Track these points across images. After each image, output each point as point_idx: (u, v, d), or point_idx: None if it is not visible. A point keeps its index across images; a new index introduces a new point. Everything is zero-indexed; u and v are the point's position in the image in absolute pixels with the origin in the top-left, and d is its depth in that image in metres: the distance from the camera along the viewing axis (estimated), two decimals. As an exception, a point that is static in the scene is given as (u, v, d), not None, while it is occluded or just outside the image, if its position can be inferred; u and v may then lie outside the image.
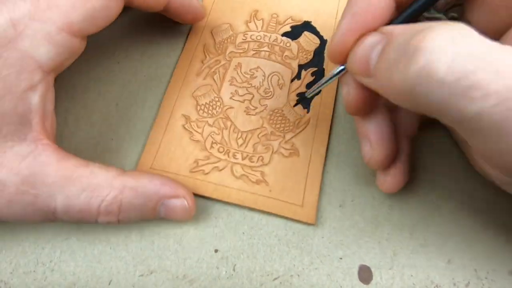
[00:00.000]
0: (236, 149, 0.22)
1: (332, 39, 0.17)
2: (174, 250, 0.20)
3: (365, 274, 0.19)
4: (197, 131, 0.22)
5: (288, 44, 0.25)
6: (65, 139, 0.23)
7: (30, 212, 0.17)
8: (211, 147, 0.22)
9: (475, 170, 0.20)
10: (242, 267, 0.19)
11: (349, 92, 0.18)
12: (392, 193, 0.20)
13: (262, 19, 0.26)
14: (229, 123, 0.23)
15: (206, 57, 0.25)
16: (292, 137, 0.22)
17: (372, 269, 0.19)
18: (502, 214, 0.20)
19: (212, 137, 0.22)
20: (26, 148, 0.17)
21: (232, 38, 0.25)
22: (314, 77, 0.24)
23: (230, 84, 0.24)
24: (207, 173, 0.21)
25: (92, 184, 0.18)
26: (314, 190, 0.21)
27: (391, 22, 0.16)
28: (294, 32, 0.26)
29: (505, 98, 0.11)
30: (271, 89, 0.24)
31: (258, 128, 0.23)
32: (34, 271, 0.19)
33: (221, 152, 0.22)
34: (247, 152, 0.22)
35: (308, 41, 0.25)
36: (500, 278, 0.19)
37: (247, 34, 0.25)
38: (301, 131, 0.22)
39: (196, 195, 0.20)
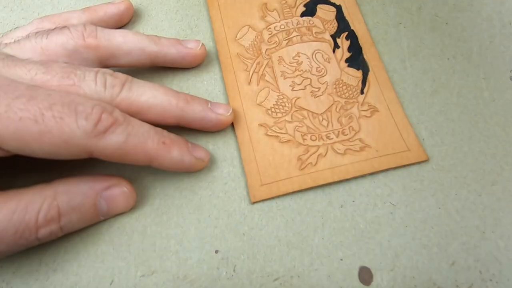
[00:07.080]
0: (326, 131, 0.22)
1: None
2: (175, 250, 0.20)
3: (365, 275, 0.19)
4: (281, 133, 0.22)
5: (311, 22, 0.26)
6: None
7: None
8: (303, 139, 0.22)
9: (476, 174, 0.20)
10: (242, 267, 0.19)
11: None
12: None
13: (275, 9, 0.26)
14: (305, 112, 0.23)
15: (246, 65, 0.25)
16: (364, 98, 0.23)
17: (373, 271, 0.19)
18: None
19: (298, 131, 0.22)
20: None
21: (258, 37, 0.25)
22: (349, 40, 0.25)
23: (284, 78, 0.24)
24: (315, 164, 0.21)
25: (22, 202, 0.17)
26: (410, 132, 0.22)
27: None
28: (310, 9, 0.26)
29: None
30: (322, 66, 0.24)
31: (332, 105, 0.23)
32: (37, 270, 0.20)
33: (314, 140, 0.22)
34: (336, 129, 0.22)
35: (325, 12, 0.26)
36: (505, 281, 0.19)
37: (270, 27, 0.26)
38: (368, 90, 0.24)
39: (320, 186, 0.21)
